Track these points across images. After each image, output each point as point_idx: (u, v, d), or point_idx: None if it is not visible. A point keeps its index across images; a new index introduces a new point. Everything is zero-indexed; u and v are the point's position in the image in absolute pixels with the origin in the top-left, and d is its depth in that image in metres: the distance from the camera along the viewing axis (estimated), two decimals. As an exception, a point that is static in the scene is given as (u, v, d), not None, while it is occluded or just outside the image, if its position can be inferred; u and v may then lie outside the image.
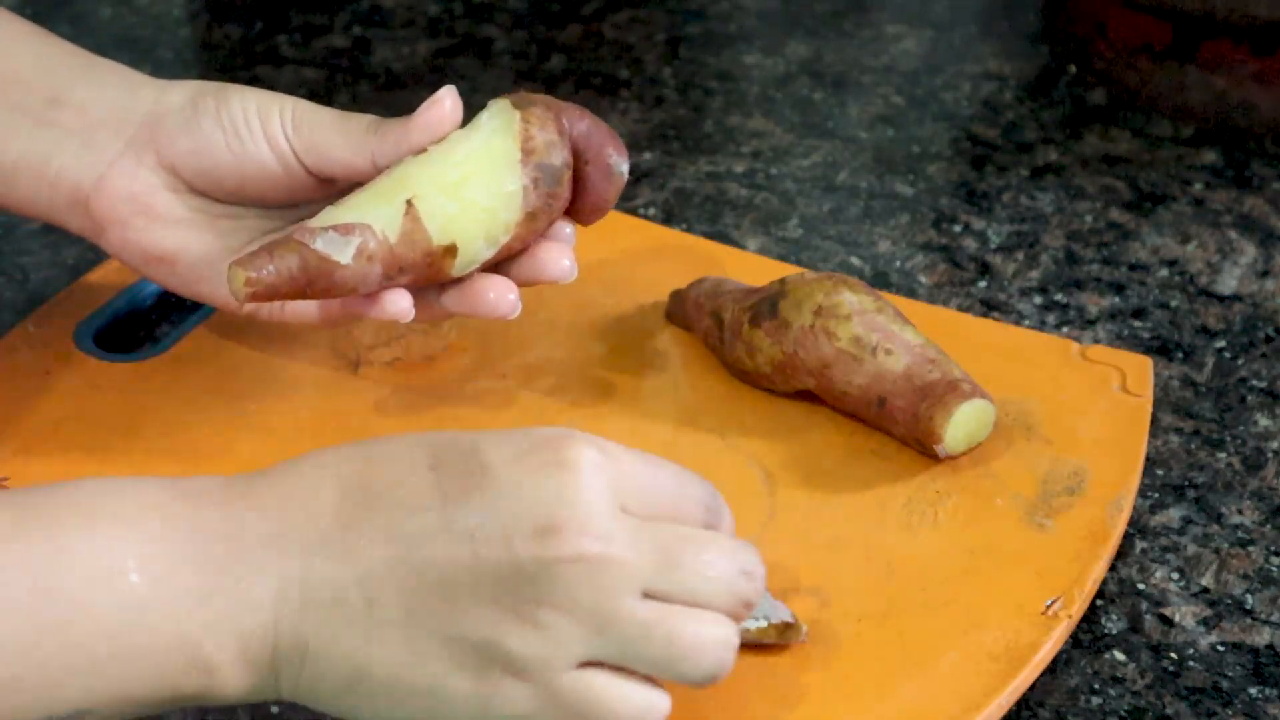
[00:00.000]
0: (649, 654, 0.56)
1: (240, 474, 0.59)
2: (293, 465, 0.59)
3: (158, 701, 0.56)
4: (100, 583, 0.55)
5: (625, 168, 0.72)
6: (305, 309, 0.73)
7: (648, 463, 0.58)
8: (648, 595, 0.56)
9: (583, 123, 0.71)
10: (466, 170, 0.69)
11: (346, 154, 0.71)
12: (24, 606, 0.54)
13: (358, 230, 0.68)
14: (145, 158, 0.71)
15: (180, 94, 0.72)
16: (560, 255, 0.72)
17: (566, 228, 0.73)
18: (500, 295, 0.71)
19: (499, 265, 0.72)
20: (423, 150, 0.69)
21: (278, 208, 0.74)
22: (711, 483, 0.60)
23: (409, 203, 0.68)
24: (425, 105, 0.70)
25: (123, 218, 0.72)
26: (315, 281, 0.67)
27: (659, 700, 0.58)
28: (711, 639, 0.57)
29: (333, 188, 0.73)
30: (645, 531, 0.56)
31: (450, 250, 0.69)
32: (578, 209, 0.72)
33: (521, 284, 0.72)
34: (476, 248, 0.70)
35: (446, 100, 0.70)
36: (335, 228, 0.68)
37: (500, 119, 0.70)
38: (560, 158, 0.70)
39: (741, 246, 0.92)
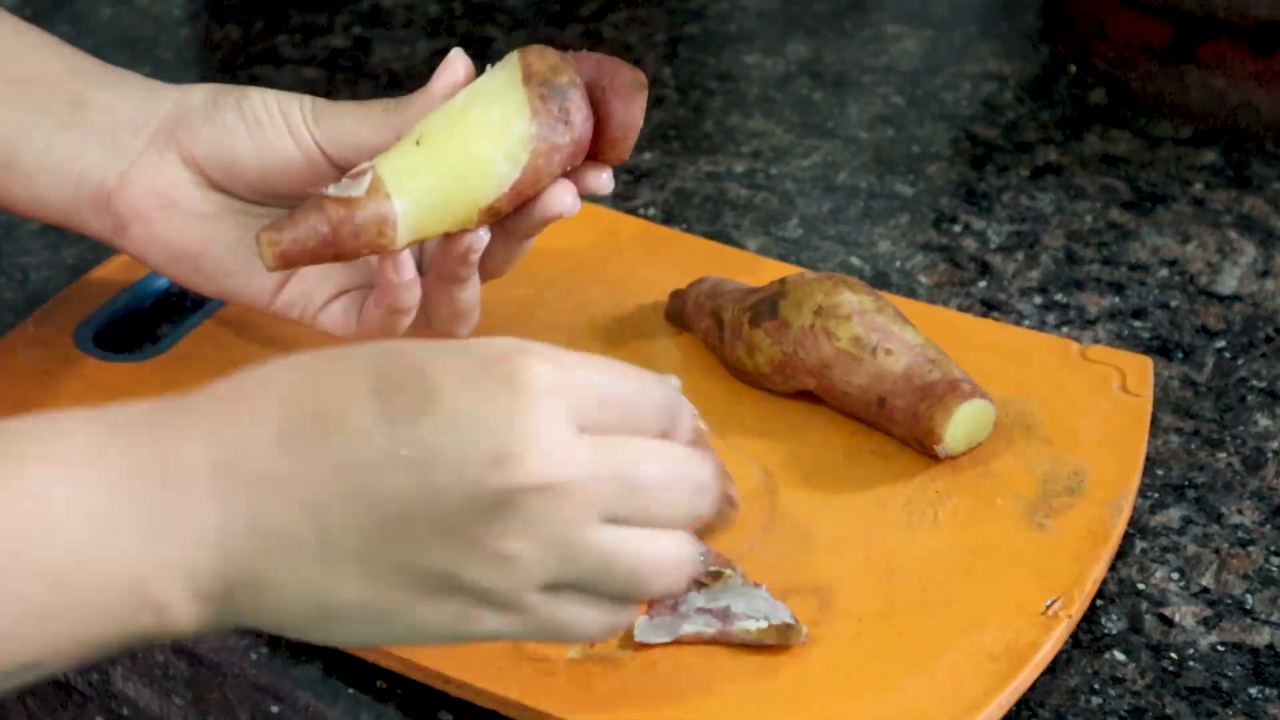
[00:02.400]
0: (611, 580, 0.56)
1: (176, 397, 0.57)
2: (229, 386, 0.56)
3: (112, 644, 0.55)
4: (37, 532, 0.53)
5: (643, 81, 0.70)
6: (343, 314, 0.73)
7: (602, 370, 0.57)
8: (607, 520, 0.55)
9: (590, 58, 0.71)
10: (470, 99, 0.69)
11: (370, 137, 0.70)
12: None
13: (369, 169, 0.68)
14: (168, 153, 0.71)
15: (201, 93, 0.72)
16: (565, 192, 0.71)
17: (603, 174, 0.72)
18: (559, 197, 0.70)
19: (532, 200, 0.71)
20: None
21: (299, 202, 0.73)
22: (672, 375, 0.59)
23: (418, 142, 0.68)
24: (439, 71, 0.70)
25: (147, 213, 0.71)
26: (339, 230, 0.67)
27: (623, 615, 0.58)
28: (671, 559, 0.57)
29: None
30: (603, 454, 0.55)
31: (470, 174, 0.68)
32: (608, 137, 0.71)
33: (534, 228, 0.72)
34: (498, 169, 0.69)
35: (457, 63, 0.71)
36: (347, 174, 0.68)
37: (502, 63, 0.70)
38: (565, 77, 0.69)
39: (741, 246, 0.92)
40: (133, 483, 0.54)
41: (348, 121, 0.71)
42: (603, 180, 0.72)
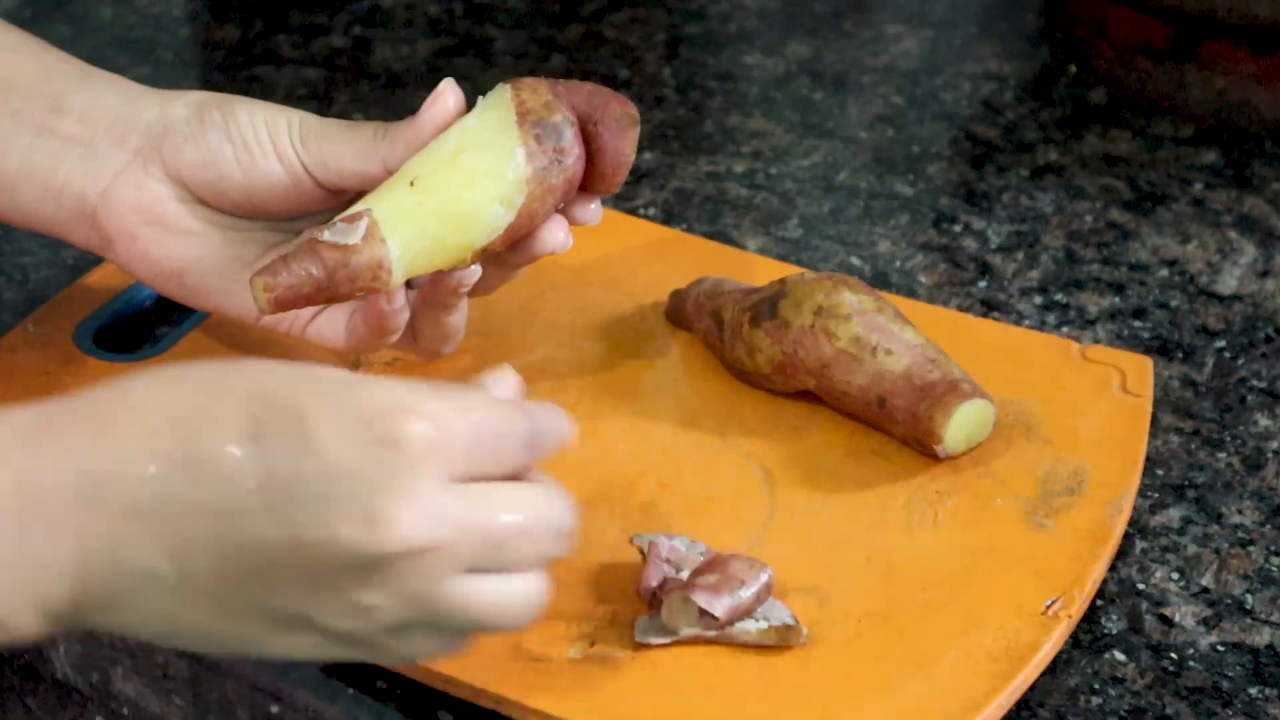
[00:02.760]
0: (460, 623, 0.57)
1: (45, 407, 0.55)
2: (103, 404, 0.55)
3: None
4: None
5: (635, 116, 0.71)
6: (330, 328, 0.73)
7: (474, 414, 0.56)
8: (465, 571, 0.56)
9: (582, 89, 0.71)
10: (464, 141, 0.69)
11: (357, 164, 0.70)
12: None
13: (365, 215, 0.68)
14: (152, 169, 0.71)
15: (183, 105, 0.72)
16: (558, 228, 0.71)
17: (591, 205, 0.72)
18: (552, 234, 0.71)
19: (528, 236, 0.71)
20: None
21: (285, 219, 0.74)
22: (533, 406, 0.59)
23: (411, 183, 0.68)
24: (428, 102, 0.70)
25: (131, 229, 0.71)
26: (334, 275, 0.67)
27: (466, 642, 0.59)
28: (520, 602, 0.57)
29: (341, 198, 0.73)
30: (469, 509, 0.55)
31: (465, 220, 0.69)
32: (599, 171, 0.71)
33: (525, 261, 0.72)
34: (492, 213, 0.69)
35: (449, 94, 0.70)
36: (342, 218, 0.68)
37: (493, 97, 0.70)
38: (559, 115, 0.69)
39: (741, 246, 0.92)
40: None
41: (336, 146, 0.71)
42: (591, 212, 0.73)
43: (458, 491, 0.55)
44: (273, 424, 0.54)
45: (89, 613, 0.55)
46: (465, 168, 0.68)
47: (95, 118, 0.71)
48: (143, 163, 0.71)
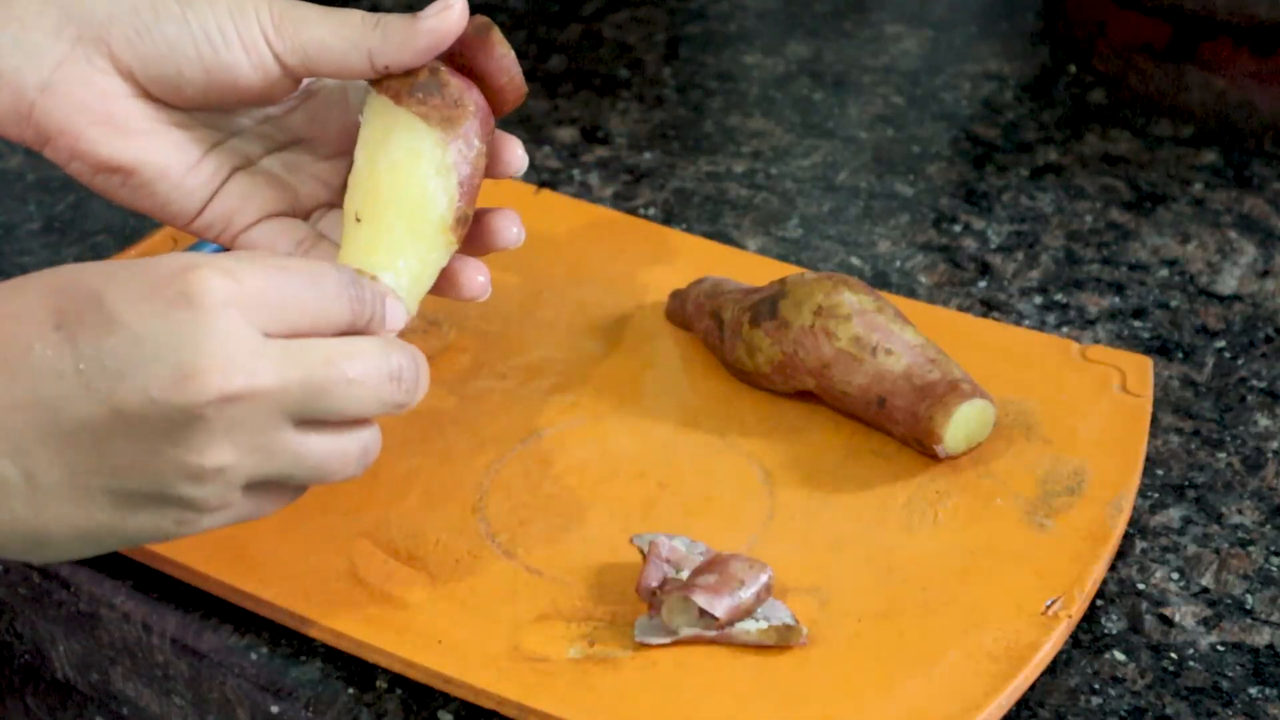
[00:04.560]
0: (302, 474, 0.58)
1: None
2: None
3: None
4: None
5: (488, 21, 0.68)
6: (266, 241, 0.71)
7: (279, 273, 0.57)
8: (297, 421, 0.57)
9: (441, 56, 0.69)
10: (369, 152, 0.68)
11: (341, 50, 0.66)
12: None
13: (387, 293, 0.66)
14: (97, 61, 0.66)
15: None
16: (510, 223, 0.70)
17: (517, 150, 0.70)
18: (470, 279, 0.70)
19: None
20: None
21: (239, 113, 0.70)
22: (349, 268, 0.60)
23: (357, 218, 0.67)
24: (433, 8, 0.66)
25: (77, 128, 0.67)
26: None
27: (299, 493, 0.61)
28: (355, 453, 0.59)
29: (295, 89, 0.69)
30: (289, 358, 0.56)
31: (419, 208, 0.68)
32: (495, 87, 0.69)
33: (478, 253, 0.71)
34: (438, 186, 0.67)
35: (456, 8, 0.66)
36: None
37: (367, 103, 0.68)
38: (424, 73, 0.67)
39: (741, 246, 0.92)
40: None
41: (317, 31, 0.66)
42: (517, 156, 0.70)
43: (271, 343, 0.56)
44: (73, 309, 0.55)
45: None
46: (386, 174, 0.67)
47: (27, 5, 0.66)
48: (85, 54, 0.66)
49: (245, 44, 0.66)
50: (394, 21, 0.66)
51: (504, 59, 0.68)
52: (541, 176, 0.98)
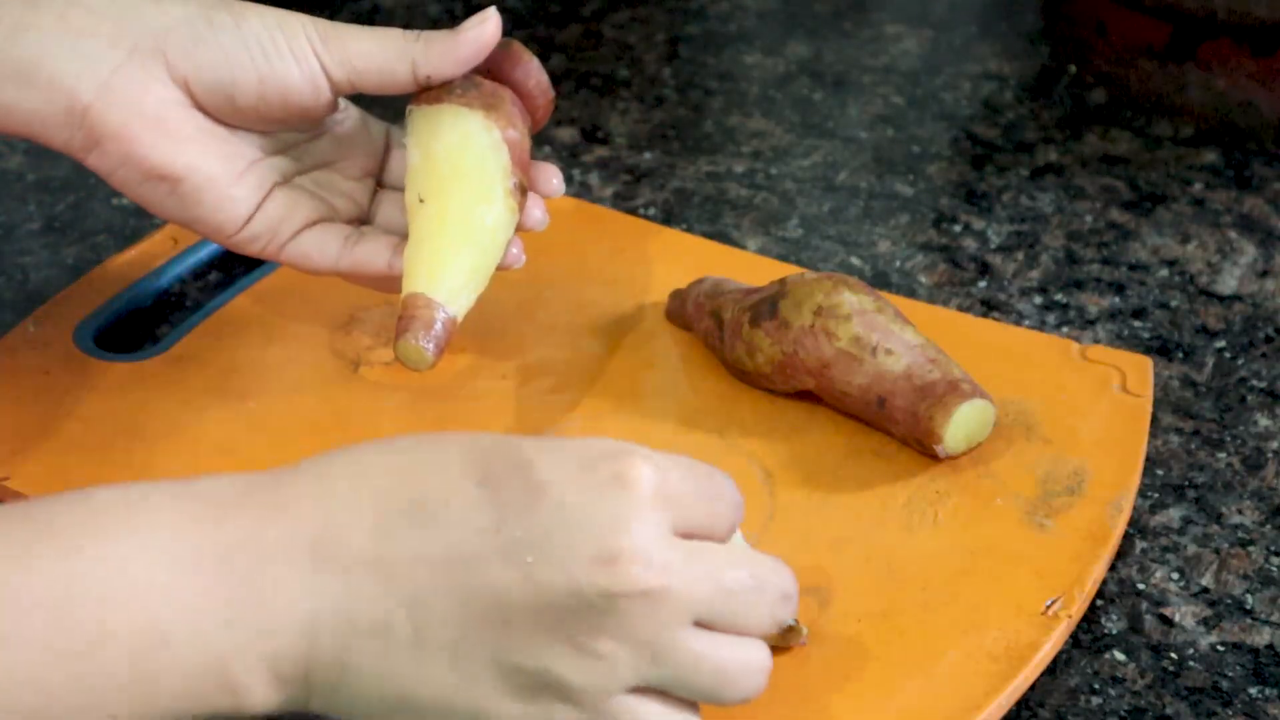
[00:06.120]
0: (697, 683, 0.56)
1: (265, 472, 0.56)
2: (323, 467, 0.55)
3: (186, 716, 0.54)
4: (119, 607, 0.52)
5: (507, 41, 0.72)
6: (318, 252, 0.72)
7: (689, 473, 0.56)
8: (698, 624, 0.55)
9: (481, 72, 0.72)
10: (451, 163, 0.70)
11: (385, 60, 0.69)
12: (41, 637, 0.51)
13: (446, 315, 0.70)
14: (155, 70, 0.68)
15: (183, 7, 0.68)
16: (549, 175, 0.74)
17: (554, 178, 0.74)
18: (529, 214, 0.72)
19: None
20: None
21: (285, 129, 0.72)
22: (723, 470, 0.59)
23: (420, 200, 0.70)
24: (472, 21, 0.69)
25: (132, 132, 0.68)
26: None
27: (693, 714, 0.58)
28: (755, 666, 0.57)
29: (336, 108, 0.71)
30: (696, 558, 0.55)
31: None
32: (535, 104, 0.73)
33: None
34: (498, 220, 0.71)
35: (494, 20, 0.70)
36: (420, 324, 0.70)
37: (426, 115, 0.71)
38: (483, 83, 0.71)
39: (741, 246, 0.92)
40: (219, 565, 0.53)
41: (364, 45, 0.69)
42: (553, 184, 0.74)
43: (683, 543, 0.55)
44: (501, 471, 0.54)
45: (318, 676, 0.54)
46: (442, 151, 0.70)
47: (78, 13, 0.67)
48: (141, 62, 0.67)
49: (295, 54, 0.68)
50: (435, 34, 0.69)
51: (530, 65, 0.72)
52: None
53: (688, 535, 0.56)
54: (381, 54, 0.69)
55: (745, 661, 0.56)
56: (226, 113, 0.69)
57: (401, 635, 0.53)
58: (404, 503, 0.54)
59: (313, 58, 0.68)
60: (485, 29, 0.70)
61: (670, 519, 0.55)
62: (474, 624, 0.53)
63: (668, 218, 0.94)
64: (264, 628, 0.53)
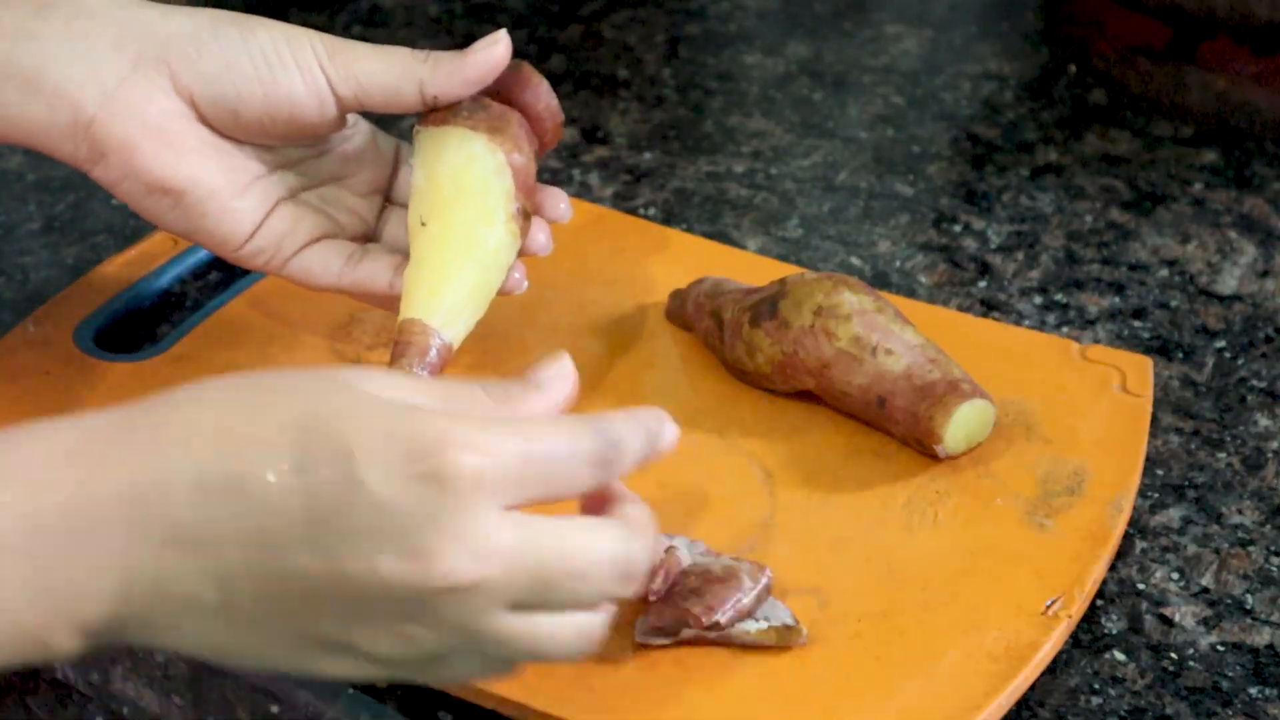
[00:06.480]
0: (507, 655, 0.56)
1: (132, 407, 0.55)
2: (161, 414, 0.55)
3: None
4: None
5: (518, 63, 0.72)
6: (321, 268, 0.72)
7: (527, 443, 0.55)
8: (514, 607, 0.55)
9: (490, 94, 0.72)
10: (455, 183, 0.70)
11: (392, 79, 0.69)
12: None
13: (440, 341, 0.70)
14: (159, 81, 0.68)
15: (188, 18, 0.68)
16: (557, 199, 0.74)
17: (560, 203, 0.74)
18: (533, 238, 0.73)
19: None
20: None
21: (289, 144, 0.72)
22: (610, 422, 0.57)
23: (422, 223, 0.70)
24: (481, 43, 0.70)
25: (135, 143, 0.67)
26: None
27: (511, 669, 0.58)
28: (577, 637, 0.56)
29: (343, 125, 0.71)
30: (522, 545, 0.54)
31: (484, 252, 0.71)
32: (543, 127, 0.73)
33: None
34: (503, 239, 0.71)
35: (505, 42, 0.70)
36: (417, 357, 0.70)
37: (432, 137, 0.71)
38: (491, 104, 0.71)
39: (741, 246, 0.92)
40: (33, 538, 0.53)
41: (367, 62, 0.69)
42: (560, 208, 0.74)
43: (508, 523, 0.54)
44: (318, 456, 0.53)
45: (129, 630, 0.54)
46: (447, 174, 0.70)
47: (84, 22, 0.67)
48: (146, 74, 0.67)
49: (300, 68, 0.68)
50: (443, 55, 0.69)
51: (539, 88, 0.72)
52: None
53: (526, 504, 0.55)
54: (388, 73, 0.69)
55: (565, 637, 0.56)
56: (231, 126, 0.69)
57: (209, 606, 0.54)
58: (222, 475, 0.53)
59: (319, 73, 0.68)
60: (494, 51, 0.70)
61: (498, 499, 0.54)
62: (280, 604, 0.54)
63: (668, 218, 0.94)
64: (74, 595, 0.53)
